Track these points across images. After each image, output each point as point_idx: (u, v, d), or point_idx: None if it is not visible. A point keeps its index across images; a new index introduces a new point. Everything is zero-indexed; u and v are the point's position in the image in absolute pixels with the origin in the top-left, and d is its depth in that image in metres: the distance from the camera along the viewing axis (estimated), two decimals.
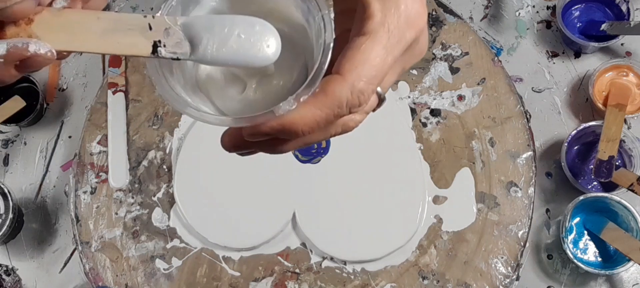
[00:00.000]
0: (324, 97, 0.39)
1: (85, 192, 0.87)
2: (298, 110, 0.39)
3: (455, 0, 0.94)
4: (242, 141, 0.43)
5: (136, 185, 0.87)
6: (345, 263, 0.83)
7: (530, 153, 0.85)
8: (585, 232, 0.83)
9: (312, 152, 0.86)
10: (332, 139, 0.85)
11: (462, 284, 0.81)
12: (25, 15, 0.38)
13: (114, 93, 0.90)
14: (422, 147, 0.86)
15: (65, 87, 0.95)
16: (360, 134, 0.86)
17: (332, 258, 0.83)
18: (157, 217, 0.86)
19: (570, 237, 0.82)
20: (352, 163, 0.85)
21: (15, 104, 0.89)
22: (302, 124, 0.39)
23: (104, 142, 0.89)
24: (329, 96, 0.39)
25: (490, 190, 0.84)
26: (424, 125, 0.87)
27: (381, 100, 0.41)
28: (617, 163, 0.83)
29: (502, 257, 0.82)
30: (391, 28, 0.39)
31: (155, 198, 0.87)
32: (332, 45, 0.39)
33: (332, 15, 0.41)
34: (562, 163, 0.83)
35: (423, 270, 0.82)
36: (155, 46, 0.39)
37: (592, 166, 0.83)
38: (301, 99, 0.39)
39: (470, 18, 0.94)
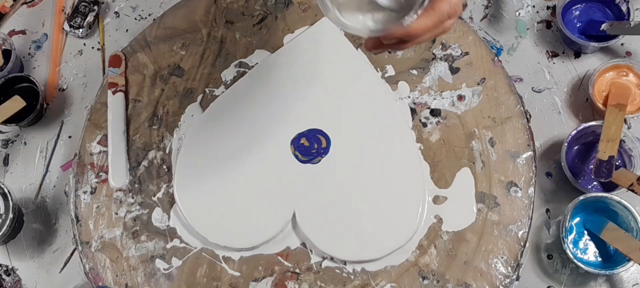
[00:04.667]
0: (432, 11, 0.59)
1: (85, 192, 0.87)
2: (417, 21, 0.59)
3: None
4: (379, 43, 0.63)
5: (136, 185, 0.87)
6: (345, 263, 0.83)
7: (530, 153, 0.85)
8: (585, 232, 0.83)
9: (312, 152, 0.86)
10: (332, 139, 0.85)
11: (462, 284, 0.81)
12: None
13: (114, 93, 0.91)
14: (422, 147, 0.86)
15: (65, 87, 0.96)
16: (360, 134, 0.87)
17: (332, 258, 0.83)
18: (157, 217, 0.86)
19: (570, 237, 0.82)
20: (352, 164, 0.85)
21: (15, 104, 0.89)
22: (419, 29, 0.59)
23: (104, 142, 0.89)
24: (436, 11, 0.59)
25: (490, 190, 0.84)
26: (424, 125, 0.87)
27: (465, 5, 0.61)
28: (617, 163, 0.83)
29: (502, 257, 0.82)
30: None
31: (155, 198, 0.87)
32: None
33: None
34: (562, 163, 0.83)
35: (423, 270, 0.82)
36: None
37: (592, 166, 0.83)
38: (418, 13, 0.59)
39: (470, 18, 0.94)
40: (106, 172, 0.88)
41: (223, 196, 0.85)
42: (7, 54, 0.94)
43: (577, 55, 0.92)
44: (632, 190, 0.79)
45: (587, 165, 0.86)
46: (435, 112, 0.88)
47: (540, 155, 0.88)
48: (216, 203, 0.84)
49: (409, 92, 0.89)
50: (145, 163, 0.88)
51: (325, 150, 0.86)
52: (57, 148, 0.93)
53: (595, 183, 0.85)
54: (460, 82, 0.89)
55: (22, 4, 1.01)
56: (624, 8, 0.90)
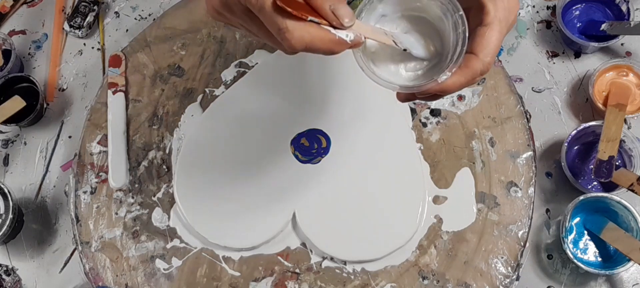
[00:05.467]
0: (466, 69, 0.60)
1: (85, 192, 0.87)
2: (450, 78, 0.60)
3: None
4: (412, 96, 0.64)
5: (136, 185, 0.87)
6: (345, 263, 0.83)
7: (530, 153, 0.85)
8: (585, 232, 0.83)
9: (312, 152, 0.86)
10: (332, 139, 0.85)
11: (462, 284, 0.81)
12: None
13: (114, 93, 0.91)
14: (422, 147, 0.86)
15: (65, 87, 0.96)
16: (360, 134, 0.87)
17: (332, 258, 0.83)
18: (157, 217, 0.86)
19: (570, 237, 0.82)
20: (352, 164, 0.85)
21: (15, 104, 0.89)
22: (453, 86, 0.60)
23: (104, 142, 0.89)
24: (470, 68, 0.60)
25: (490, 190, 0.84)
26: (424, 125, 0.87)
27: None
28: (617, 163, 0.83)
29: (502, 257, 0.82)
30: (501, 18, 0.60)
31: (155, 198, 0.87)
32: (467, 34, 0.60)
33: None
34: (562, 163, 0.83)
35: (423, 270, 0.82)
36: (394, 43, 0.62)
37: (592, 166, 0.83)
38: (452, 71, 0.60)
39: None
40: (106, 172, 0.88)
41: (223, 196, 0.85)
42: (7, 54, 0.94)
43: (577, 55, 0.92)
44: (632, 190, 0.79)
45: (587, 165, 0.86)
46: (435, 112, 0.88)
47: (540, 155, 0.88)
48: (216, 203, 0.84)
49: None
50: (145, 163, 0.88)
51: (325, 150, 0.86)
52: (57, 149, 0.93)
53: (595, 183, 0.85)
54: None
55: (22, 4, 1.01)
56: (624, 8, 0.90)
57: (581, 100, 0.90)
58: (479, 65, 0.60)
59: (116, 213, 0.86)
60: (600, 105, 0.86)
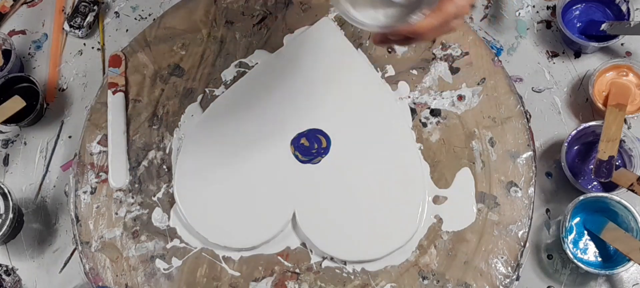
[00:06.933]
0: (439, 12, 0.62)
1: (85, 192, 0.87)
2: (424, 20, 0.62)
3: None
4: (386, 38, 0.65)
5: (136, 185, 0.87)
6: (345, 263, 0.83)
7: (530, 153, 0.85)
8: (585, 232, 0.83)
9: (312, 152, 0.86)
10: (332, 139, 0.85)
11: (462, 284, 0.81)
12: None
13: (114, 93, 0.91)
14: (422, 147, 0.86)
15: (65, 87, 0.96)
16: (360, 134, 0.86)
17: (332, 258, 0.83)
18: (157, 217, 0.86)
19: (570, 237, 0.82)
20: (352, 164, 0.85)
21: (15, 104, 0.89)
22: (426, 28, 0.62)
23: (104, 142, 0.89)
24: (443, 11, 0.62)
25: (490, 190, 0.84)
26: (424, 125, 0.87)
27: (473, 6, 0.66)
28: (617, 164, 0.83)
29: (502, 257, 0.82)
30: None
31: (155, 198, 0.87)
32: None
33: None
34: (562, 163, 0.83)
35: (423, 270, 0.82)
36: None
37: (592, 166, 0.83)
38: (426, 13, 0.61)
39: (471, 18, 0.94)
40: (106, 172, 0.88)
41: (223, 196, 0.85)
42: (7, 54, 0.94)
43: (577, 55, 0.92)
44: (632, 190, 0.79)
45: (587, 165, 0.86)
46: (435, 112, 0.88)
47: (540, 155, 0.88)
48: (216, 203, 0.84)
49: (409, 92, 0.89)
50: (145, 163, 0.88)
51: (325, 150, 0.86)
52: (57, 149, 0.93)
53: (595, 183, 0.85)
54: (460, 82, 0.89)
55: (22, 4, 1.01)
56: (624, 8, 0.90)
57: (581, 100, 0.90)
58: (452, 8, 0.62)
59: (116, 213, 0.86)
60: (600, 105, 0.86)
